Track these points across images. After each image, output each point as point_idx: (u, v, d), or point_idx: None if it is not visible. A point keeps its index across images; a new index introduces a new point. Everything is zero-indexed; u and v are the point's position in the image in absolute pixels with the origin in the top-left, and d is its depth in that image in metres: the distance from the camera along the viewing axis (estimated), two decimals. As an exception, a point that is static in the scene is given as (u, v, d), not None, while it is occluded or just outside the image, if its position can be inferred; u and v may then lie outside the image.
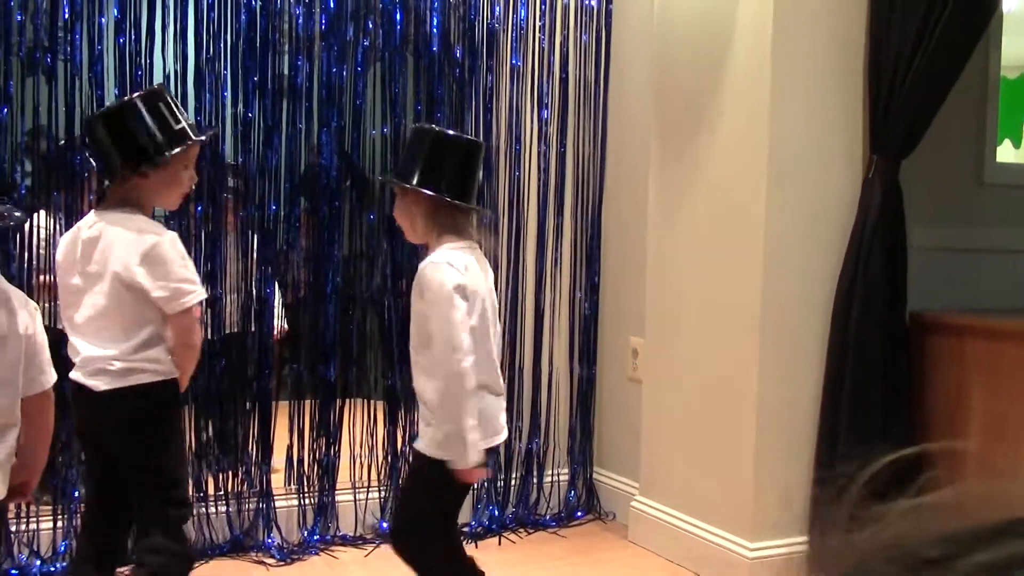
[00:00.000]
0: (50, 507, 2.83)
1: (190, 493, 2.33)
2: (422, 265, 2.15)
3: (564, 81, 3.53)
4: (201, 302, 2.20)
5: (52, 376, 1.92)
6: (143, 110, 2.14)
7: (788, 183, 2.83)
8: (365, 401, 3.28)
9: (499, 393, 2.22)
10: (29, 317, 1.85)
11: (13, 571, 2.76)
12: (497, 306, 2.26)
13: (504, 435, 2.25)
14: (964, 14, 2.68)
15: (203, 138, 2.27)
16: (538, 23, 3.48)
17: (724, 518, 2.95)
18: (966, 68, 2.79)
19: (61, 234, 2.80)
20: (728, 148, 2.95)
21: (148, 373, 2.13)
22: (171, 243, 2.14)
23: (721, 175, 2.98)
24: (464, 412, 2.06)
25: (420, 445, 2.17)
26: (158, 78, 2.91)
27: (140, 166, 2.12)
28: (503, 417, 2.25)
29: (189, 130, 2.19)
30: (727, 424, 2.94)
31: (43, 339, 1.90)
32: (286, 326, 3.45)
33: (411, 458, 2.33)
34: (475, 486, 3.43)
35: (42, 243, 2.85)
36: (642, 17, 3.44)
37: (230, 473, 3.06)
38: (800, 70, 2.83)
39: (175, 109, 2.20)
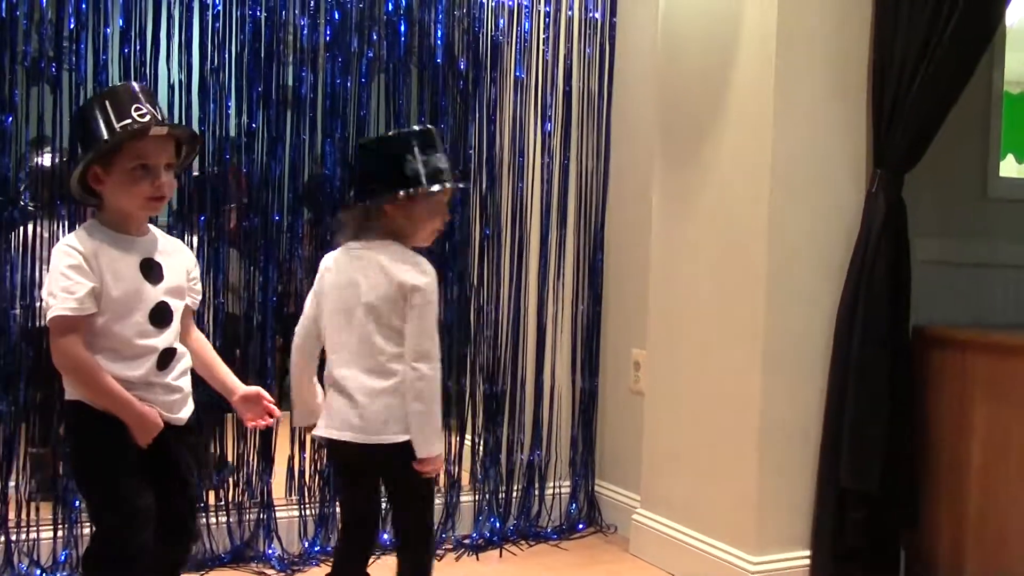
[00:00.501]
0: (50, 516, 2.82)
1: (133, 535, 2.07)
2: None
3: (568, 93, 3.54)
4: (64, 317, 1.96)
5: None
6: (87, 114, 2.07)
7: (791, 196, 2.83)
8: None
9: (334, 386, 2.25)
10: None
11: (13, 580, 2.75)
12: (368, 301, 2.21)
13: (337, 434, 2.23)
14: (968, 29, 2.68)
15: (135, 128, 1.99)
16: (542, 35, 3.49)
17: (726, 531, 2.94)
18: (969, 83, 2.79)
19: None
20: (731, 162, 2.96)
21: (67, 390, 2.08)
22: (60, 251, 2.01)
23: (724, 188, 2.99)
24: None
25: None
26: (163, 88, 2.91)
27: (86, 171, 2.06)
28: (337, 411, 2.23)
29: (143, 126, 1.99)
30: (730, 437, 2.93)
31: None
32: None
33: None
34: (476, 498, 3.43)
35: (45, 252, 2.85)
36: (646, 30, 3.44)
37: (230, 483, 3.06)
38: (803, 83, 2.83)
39: (112, 109, 2.02)
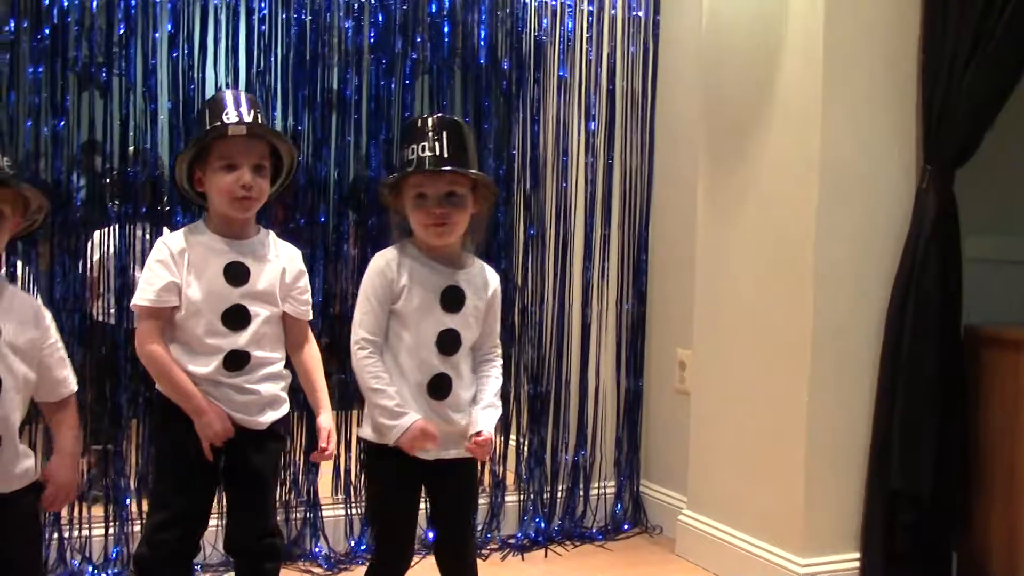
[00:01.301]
0: (102, 514, 2.87)
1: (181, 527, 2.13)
2: (483, 265, 2.22)
3: (611, 93, 3.53)
4: (139, 307, 2.10)
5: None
6: (196, 120, 2.18)
7: (840, 194, 2.80)
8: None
9: None
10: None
11: (66, 577, 2.80)
12: None
13: None
14: (1020, 23, 2.63)
15: (218, 128, 2.08)
16: (585, 35, 3.48)
17: (774, 533, 2.91)
18: (1023, 76, 2.74)
19: (117, 244, 2.86)
20: (778, 159, 2.93)
21: None
22: (156, 247, 2.14)
23: (771, 186, 2.96)
24: None
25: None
26: (210, 92, 2.94)
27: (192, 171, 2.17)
28: None
29: (223, 126, 2.08)
30: (777, 437, 2.90)
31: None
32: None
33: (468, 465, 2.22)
34: (521, 498, 3.44)
35: (95, 253, 2.90)
36: (690, 28, 3.42)
37: (277, 482, 3.08)
38: (852, 80, 2.80)
39: (208, 113, 2.13)
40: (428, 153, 2.09)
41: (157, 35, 2.88)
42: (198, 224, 2.18)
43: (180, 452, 2.11)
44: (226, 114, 2.10)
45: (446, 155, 2.09)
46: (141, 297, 2.10)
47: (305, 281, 2.26)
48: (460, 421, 2.14)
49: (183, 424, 2.09)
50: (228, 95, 2.17)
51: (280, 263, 2.21)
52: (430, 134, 2.10)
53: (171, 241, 2.13)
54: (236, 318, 2.12)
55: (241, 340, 2.12)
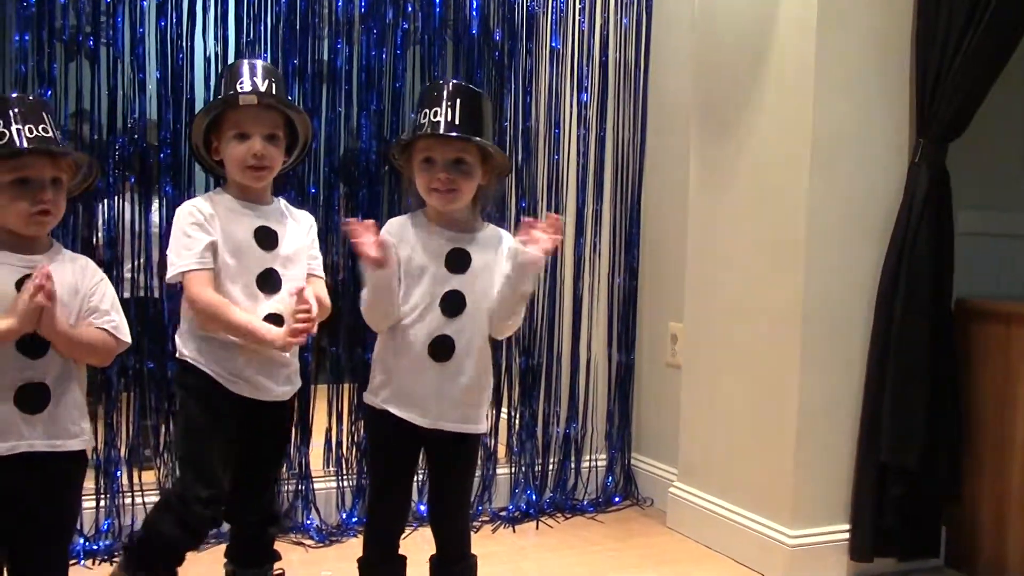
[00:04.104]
0: (93, 486, 2.86)
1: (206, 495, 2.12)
2: (496, 230, 2.18)
3: (604, 64, 3.51)
4: (186, 273, 2.08)
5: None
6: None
7: (832, 167, 2.79)
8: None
9: None
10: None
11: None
12: None
13: None
14: (1015, -5, 2.62)
15: (228, 97, 2.10)
16: (578, 5, 3.45)
17: (764, 504, 2.93)
18: (1015, 51, 2.73)
19: (105, 217, 2.84)
20: (770, 132, 2.92)
21: (178, 348, 2.17)
22: (183, 212, 2.13)
23: (763, 160, 2.95)
24: None
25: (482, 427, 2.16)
26: (199, 61, 2.92)
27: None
28: None
29: (235, 96, 2.09)
30: (767, 410, 2.91)
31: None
32: None
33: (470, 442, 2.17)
34: (512, 471, 3.44)
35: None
36: (683, -1, 3.40)
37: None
38: (846, 52, 2.78)
39: (224, 82, 2.14)
40: (439, 119, 2.07)
41: (145, 3, 2.85)
42: (218, 190, 2.20)
43: (215, 422, 2.11)
44: (240, 83, 2.11)
45: (457, 122, 2.06)
46: (183, 264, 2.08)
47: (314, 241, 2.29)
48: (465, 385, 2.09)
49: (215, 394, 2.10)
50: (245, 64, 2.18)
51: (302, 226, 2.25)
52: (445, 100, 2.07)
53: (199, 205, 2.13)
54: (269, 282, 2.14)
55: (274, 304, 2.14)
